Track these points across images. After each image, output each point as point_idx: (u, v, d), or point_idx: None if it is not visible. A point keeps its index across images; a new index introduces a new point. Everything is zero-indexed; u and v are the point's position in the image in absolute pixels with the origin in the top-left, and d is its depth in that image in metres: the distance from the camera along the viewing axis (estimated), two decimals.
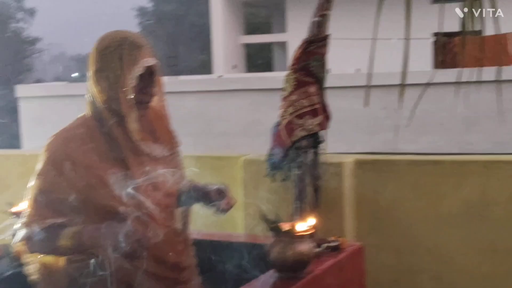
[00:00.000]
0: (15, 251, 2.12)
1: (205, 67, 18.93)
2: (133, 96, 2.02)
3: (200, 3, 19.05)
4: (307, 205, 2.70)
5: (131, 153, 2.05)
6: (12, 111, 11.28)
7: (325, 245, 2.46)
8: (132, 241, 1.86)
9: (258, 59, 19.93)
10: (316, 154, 2.82)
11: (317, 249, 2.33)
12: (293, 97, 2.79)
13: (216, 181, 2.24)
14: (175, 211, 2.17)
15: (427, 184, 3.19)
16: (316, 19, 2.80)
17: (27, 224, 1.98)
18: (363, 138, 8.40)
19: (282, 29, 17.86)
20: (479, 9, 2.64)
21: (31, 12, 27.67)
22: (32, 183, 2.02)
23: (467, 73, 2.97)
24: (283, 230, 2.12)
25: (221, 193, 2.13)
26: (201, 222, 2.22)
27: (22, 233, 1.99)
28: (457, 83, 2.86)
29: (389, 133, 7.47)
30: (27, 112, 10.53)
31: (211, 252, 2.43)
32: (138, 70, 2.02)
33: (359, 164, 3.23)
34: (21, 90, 10.82)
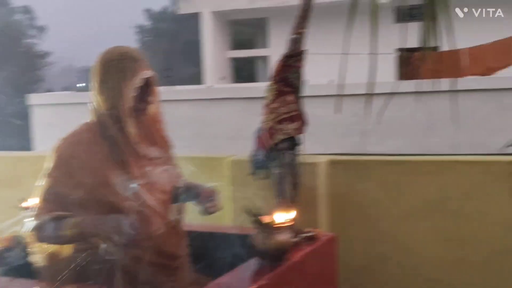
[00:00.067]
0: (25, 242, 2.09)
1: (196, 78, 18.87)
2: (132, 104, 2.01)
3: (192, 22, 18.99)
4: (287, 200, 2.69)
5: (131, 155, 2.04)
6: (25, 117, 11.16)
7: (302, 235, 2.46)
8: (129, 230, 1.84)
9: (244, 71, 19.88)
10: (294, 155, 2.81)
11: (295, 239, 2.32)
12: (274, 105, 2.79)
13: (207, 179, 2.24)
14: (170, 206, 2.16)
15: (392, 181, 3.20)
16: (294, 36, 2.80)
17: (36, 216, 1.97)
18: (336, 141, 8.40)
19: (264, 45, 17.85)
20: (437, 28, 2.65)
21: (42, 30, 27.50)
22: (41, 181, 2.01)
23: (426, 84, 2.98)
24: (264, 222, 2.12)
25: (210, 196, 2.13)
26: (195, 214, 2.21)
27: (31, 224, 1.97)
28: (417, 93, 2.88)
29: (359, 137, 7.50)
30: (38, 118, 10.43)
31: (202, 241, 2.43)
32: (137, 81, 2.01)
33: (332, 164, 3.24)
34: (33, 99, 10.70)
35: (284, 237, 2.13)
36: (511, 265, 2.85)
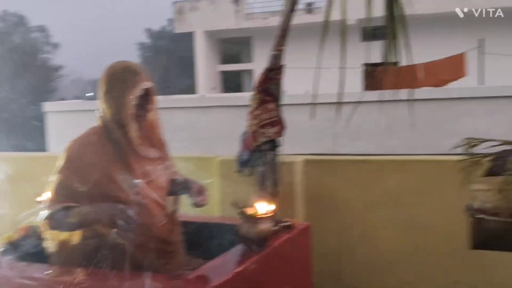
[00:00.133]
0: (40, 231, 2.07)
1: (191, 89, 18.81)
2: (133, 111, 2.00)
3: (187, 40, 18.93)
4: (268, 194, 2.69)
5: (133, 155, 2.03)
6: (41, 120, 11.04)
7: (281, 224, 2.45)
8: (126, 216, 1.83)
9: (231, 82, 19.83)
10: (274, 155, 2.82)
11: (275, 228, 2.32)
12: (257, 112, 2.79)
13: (199, 176, 2.24)
14: (166, 199, 2.16)
15: (359, 177, 3.21)
16: (274, 52, 2.80)
17: (48, 207, 1.97)
18: (311, 143, 8.41)
19: (249, 60, 17.85)
20: (396, 46, 2.67)
21: (56, 46, 27.23)
22: (53, 177, 1.99)
23: (387, 94, 3.00)
24: (248, 213, 2.12)
25: (200, 192, 2.13)
26: (188, 207, 2.20)
27: (44, 214, 1.97)
28: (380, 102, 2.89)
29: (330, 139, 7.52)
30: (52, 123, 10.31)
31: (196, 229, 2.42)
32: (138, 91, 2.00)
33: (307, 163, 3.24)
34: (47, 106, 10.58)
35: (265, 226, 2.13)
36: (459, 247, 2.87)
